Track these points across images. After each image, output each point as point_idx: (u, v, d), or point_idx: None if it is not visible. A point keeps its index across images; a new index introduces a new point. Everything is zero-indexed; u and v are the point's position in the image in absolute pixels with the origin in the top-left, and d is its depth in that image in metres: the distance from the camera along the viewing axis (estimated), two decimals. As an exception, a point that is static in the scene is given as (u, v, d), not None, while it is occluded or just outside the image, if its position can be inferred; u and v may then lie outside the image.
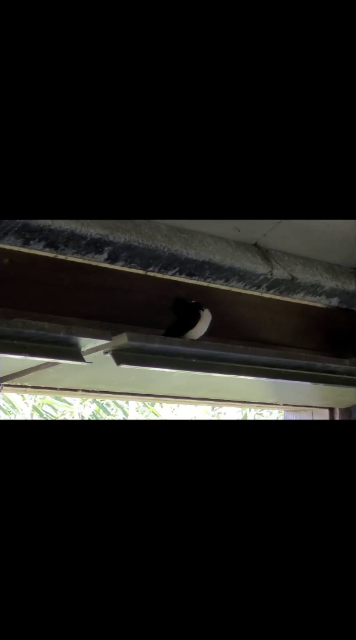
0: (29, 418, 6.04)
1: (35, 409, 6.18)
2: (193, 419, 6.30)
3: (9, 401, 6.00)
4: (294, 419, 3.38)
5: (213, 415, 6.61)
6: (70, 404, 6.37)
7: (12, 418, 5.95)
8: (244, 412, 6.48)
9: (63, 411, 6.37)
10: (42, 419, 6.15)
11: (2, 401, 5.77)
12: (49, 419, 6.19)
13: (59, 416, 6.30)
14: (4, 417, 5.87)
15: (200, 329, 2.48)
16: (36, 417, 6.16)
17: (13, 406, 6.05)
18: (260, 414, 6.45)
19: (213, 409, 6.59)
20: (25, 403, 6.12)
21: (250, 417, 6.45)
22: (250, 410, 6.37)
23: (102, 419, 6.41)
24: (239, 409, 6.33)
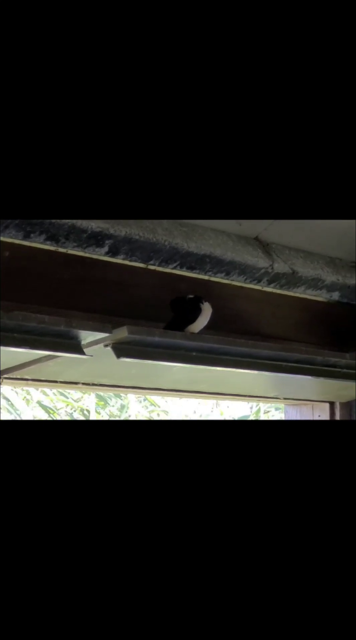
0: (29, 411, 6.04)
1: (37, 402, 6.18)
2: (192, 417, 6.30)
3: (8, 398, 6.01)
4: (294, 413, 3.39)
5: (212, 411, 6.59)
6: (75, 400, 6.37)
7: (13, 411, 5.95)
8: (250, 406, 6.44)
9: (63, 406, 6.37)
10: (42, 411, 6.16)
11: (1, 397, 5.77)
12: (49, 411, 6.19)
13: (60, 408, 6.31)
14: (5, 410, 5.88)
15: (200, 322, 2.48)
16: (38, 409, 6.16)
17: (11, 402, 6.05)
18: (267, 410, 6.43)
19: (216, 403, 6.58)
20: (29, 398, 6.12)
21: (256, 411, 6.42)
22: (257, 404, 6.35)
23: (102, 412, 6.41)
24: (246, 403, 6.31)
